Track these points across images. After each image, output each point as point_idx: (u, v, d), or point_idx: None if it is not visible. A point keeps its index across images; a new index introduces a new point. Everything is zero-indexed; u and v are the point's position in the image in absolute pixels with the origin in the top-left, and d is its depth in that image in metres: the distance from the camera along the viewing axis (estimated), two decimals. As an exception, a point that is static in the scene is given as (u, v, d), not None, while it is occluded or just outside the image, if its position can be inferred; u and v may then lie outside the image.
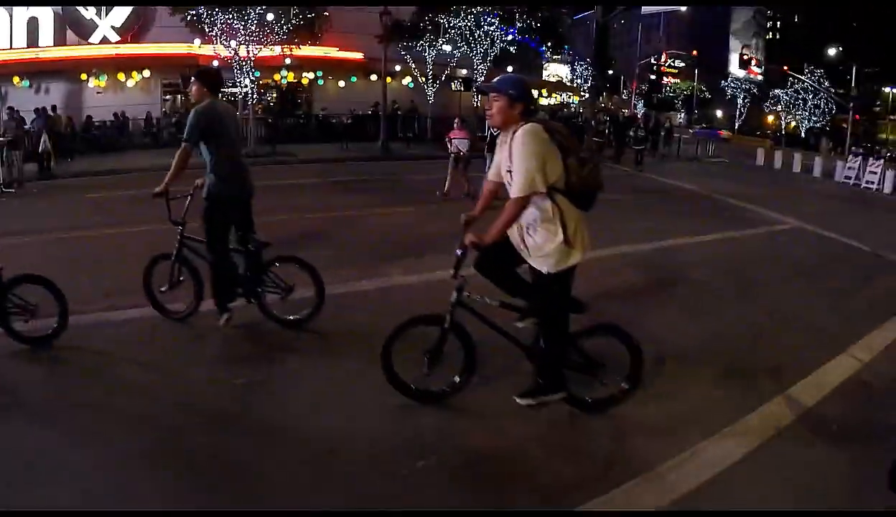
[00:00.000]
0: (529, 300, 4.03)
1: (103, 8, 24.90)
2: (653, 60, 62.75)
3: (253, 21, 20.98)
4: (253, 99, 21.88)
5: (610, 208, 13.08)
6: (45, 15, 24.48)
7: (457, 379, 4.18)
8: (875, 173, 21.94)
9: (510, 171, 3.62)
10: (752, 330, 5.95)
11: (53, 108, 22.20)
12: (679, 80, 69.08)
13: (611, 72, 43.98)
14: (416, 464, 3.47)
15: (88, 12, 24.97)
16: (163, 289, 5.42)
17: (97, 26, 24.59)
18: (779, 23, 78.75)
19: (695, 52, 63.67)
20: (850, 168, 23.28)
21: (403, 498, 3.19)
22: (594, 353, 4.06)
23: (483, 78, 26.86)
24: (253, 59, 21.43)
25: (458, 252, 3.78)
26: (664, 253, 9.14)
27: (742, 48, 73.56)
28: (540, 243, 3.68)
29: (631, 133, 24.77)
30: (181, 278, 5.41)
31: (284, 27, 21.44)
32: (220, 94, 5.27)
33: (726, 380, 4.77)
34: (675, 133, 34.02)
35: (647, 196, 15.65)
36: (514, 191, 3.55)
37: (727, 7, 72.17)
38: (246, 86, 22.33)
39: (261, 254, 5.27)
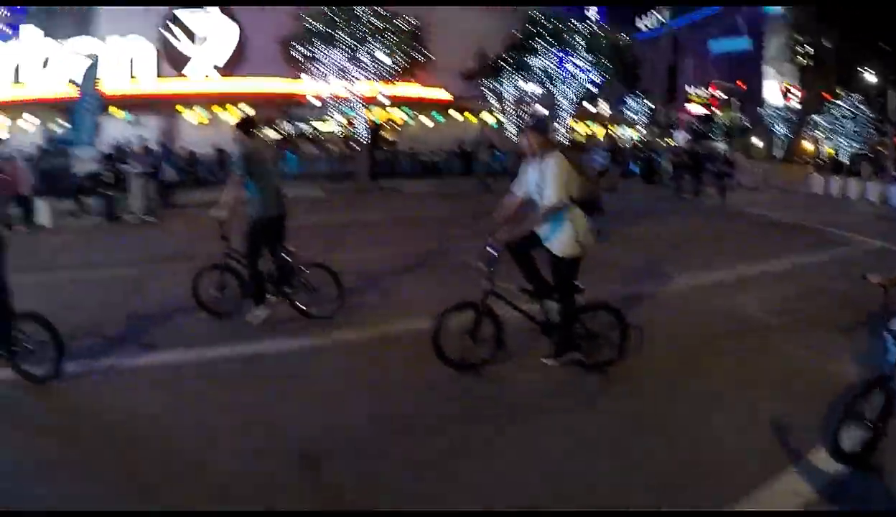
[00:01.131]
0: (540, 285, 5.43)
1: (197, 39, 26.72)
2: (692, 90, 64.46)
3: (360, 59, 22.65)
4: (368, 137, 23.27)
5: (735, 236, 14.76)
6: (147, 49, 26.18)
7: (490, 353, 5.41)
8: (934, 197, 23.25)
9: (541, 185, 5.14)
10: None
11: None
12: (719, 111, 70.79)
13: (646, 101, 45.28)
14: (455, 405, 4.86)
15: (182, 44, 26.75)
16: (212, 291, 6.75)
17: (189, 58, 26.28)
18: (812, 49, 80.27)
19: (740, 83, 65.44)
20: (906, 193, 24.74)
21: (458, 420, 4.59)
22: (593, 327, 5.44)
23: (567, 115, 28.56)
24: (360, 97, 22.92)
25: (492, 251, 5.15)
26: (806, 266, 10.98)
27: (777, 75, 75.40)
28: (556, 235, 5.18)
29: (713, 168, 26.01)
30: (226, 283, 6.77)
31: (393, 65, 22.95)
32: (254, 137, 6.74)
33: None
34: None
35: (749, 225, 16.97)
36: (549, 201, 5.07)
37: (760, 36, 73.94)
38: (340, 122, 23.97)
39: (290, 261, 6.68)
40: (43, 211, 15.91)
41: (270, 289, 6.63)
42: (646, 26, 66.31)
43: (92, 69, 19.40)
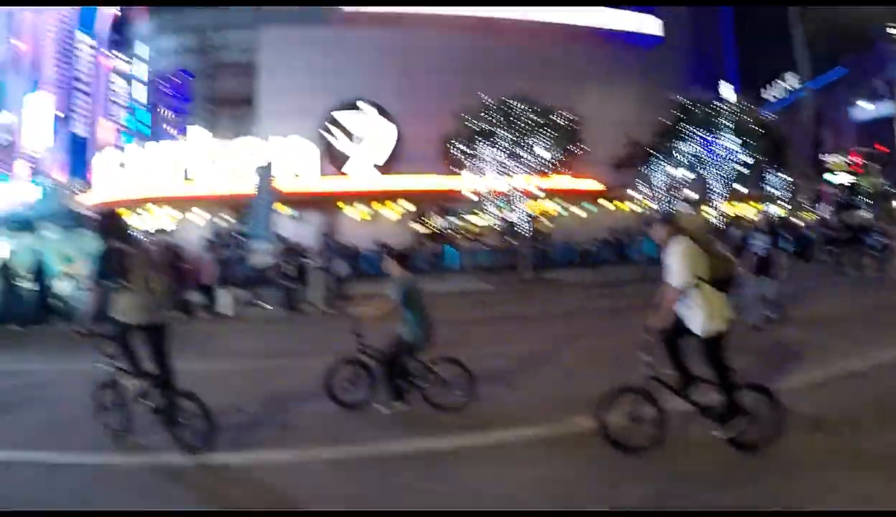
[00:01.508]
0: (684, 372, 5.88)
1: (355, 138, 28.55)
2: (831, 158, 62.09)
3: (518, 154, 23.33)
4: (530, 230, 23.77)
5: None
6: (308, 148, 28.08)
7: (652, 433, 5.68)
8: None
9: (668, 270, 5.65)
10: None
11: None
12: (860, 178, 67.63)
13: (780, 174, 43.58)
14: (627, 487, 5.14)
15: (341, 144, 28.61)
16: (345, 384, 7.24)
17: (349, 157, 27.96)
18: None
19: (879, 147, 62.53)
20: None
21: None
22: (746, 406, 5.63)
23: (718, 197, 28.38)
24: (517, 190, 23.50)
25: (649, 338, 5.65)
26: None
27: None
28: (695, 316, 5.58)
29: (871, 239, 24.72)
30: (358, 377, 7.27)
31: (550, 159, 23.48)
32: (409, 268, 7.30)
33: None
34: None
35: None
36: (674, 283, 5.56)
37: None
38: (495, 215, 24.58)
39: (419, 358, 7.12)
40: (224, 300, 17.02)
41: (404, 385, 7.07)
42: (773, 97, 65.03)
43: (267, 168, 20.84)
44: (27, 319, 15.91)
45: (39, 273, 16.57)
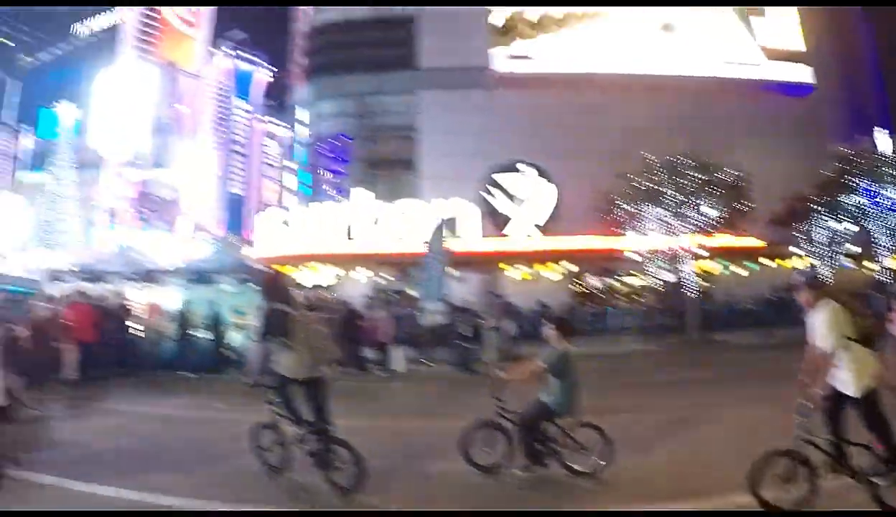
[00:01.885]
0: (839, 440, 5.79)
1: (516, 199, 29.55)
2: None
3: (682, 213, 23.34)
4: (693, 290, 23.79)
5: None
6: (470, 210, 29.37)
7: (804, 497, 5.68)
8: None
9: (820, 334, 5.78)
10: None
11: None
12: None
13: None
14: None
15: (502, 205, 29.77)
16: (482, 447, 7.16)
17: (510, 219, 28.93)
18: None
19: None
20: None
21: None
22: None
23: (882, 251, 27.85)
24: (680, 250, 23.50)
25: (810, 405, 5.66)
26: None
27: None
28: (846, 376, 5.66)
29: None
30: (495, 439, 7.16)
31: (716, 217, 23.36)
32: (569, 335, 7.27)
33: None
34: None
35: None
36: (827, 348, 5.66)
37: None
38: (657, 275, 24.59)
39: (558, 423, 7.01)
40: (397, 358, 17.82)
41: (541, 450, 7.06)
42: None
43: (439, 230, 21.73)
44: (201, 367, 16.78)
45: (214, 323, 17.55)
